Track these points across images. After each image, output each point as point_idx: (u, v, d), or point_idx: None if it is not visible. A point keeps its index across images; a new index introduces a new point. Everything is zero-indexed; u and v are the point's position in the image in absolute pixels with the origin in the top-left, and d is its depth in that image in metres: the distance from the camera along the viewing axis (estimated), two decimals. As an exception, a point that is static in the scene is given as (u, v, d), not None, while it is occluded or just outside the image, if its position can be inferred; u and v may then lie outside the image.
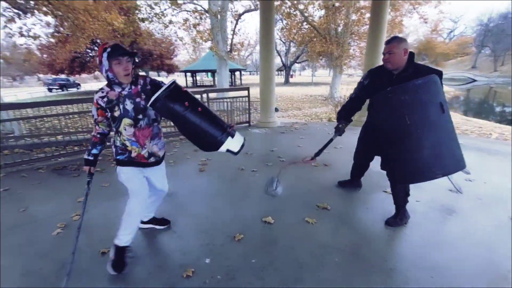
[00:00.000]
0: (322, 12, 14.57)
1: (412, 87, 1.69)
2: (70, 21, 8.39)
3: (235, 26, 12.11)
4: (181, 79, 42.62)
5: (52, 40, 17.17)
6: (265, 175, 3.32)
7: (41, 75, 33.30)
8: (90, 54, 21.81)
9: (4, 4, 7.35)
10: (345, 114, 2.27)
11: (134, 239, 2.09)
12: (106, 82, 1.61)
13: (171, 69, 26.77)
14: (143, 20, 11.29)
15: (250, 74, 57.31)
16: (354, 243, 2.00)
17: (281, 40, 32.75)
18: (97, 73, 25.74)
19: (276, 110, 6.38)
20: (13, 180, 3.28)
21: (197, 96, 5.42)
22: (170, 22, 11.80)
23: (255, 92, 6.92)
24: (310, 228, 2.20)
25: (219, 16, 10.96)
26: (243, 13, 12.09)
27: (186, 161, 3.80)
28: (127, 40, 12.11)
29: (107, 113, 1.58)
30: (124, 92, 1.58)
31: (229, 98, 6.70)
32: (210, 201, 2.71)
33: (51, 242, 2.07)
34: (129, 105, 1.59)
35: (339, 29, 14.85)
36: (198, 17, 11.72)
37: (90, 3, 8.77)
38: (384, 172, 2.34)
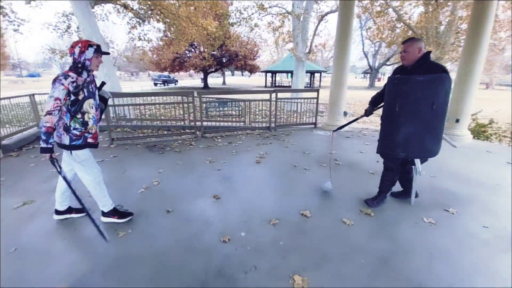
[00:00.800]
0: (421, 9, 12.96)
1: (413, 82, 1.98)
2: (175, 26, 10.08)
3: (316, 27, 12.04)
4: (261, 79, 44.73)
5: (160, 43, 20.82)
6: (315, 175, 3.41)
7: (150, 72, 40.59)
8: (188, 55, 25.19)
9: (130, 14, 9.46)
10: (373, 101, 2.69)
11: (188, 206, 2.56)
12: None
13: (252, 69, 28.35)
14: (232, 24, 12.48)
15: (332, 76, 55.17)
16: (387, 251, 1.95)
17: (370, 40, 30.43)
18: (191, 71, 29.42)
19: (345, 114, 6.18)
20: (120, 151, 4.33)
21: (266, 95, 5.92)
22: (256, 25, 12.64)
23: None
24: (345, 228, 2.24)
25: (301, 18, 11.15)
26: (326, 14, 11.89)
27: (246, 152, 4.21)
28: (218, 42, 13.53)
29: (69, 98, 1.82)
30: (88, 79, 1.95)
31: (301, 99, 6.86)
32: (258, 188, 3.00)
33: (136, 197, 2.76)
34: (92, 89, 1.98)
35: (441, 27, 12.91)
36: (281, 20, 12.21)
37: (191, 11, 10.30)
38: (445, 188, 2.41)
